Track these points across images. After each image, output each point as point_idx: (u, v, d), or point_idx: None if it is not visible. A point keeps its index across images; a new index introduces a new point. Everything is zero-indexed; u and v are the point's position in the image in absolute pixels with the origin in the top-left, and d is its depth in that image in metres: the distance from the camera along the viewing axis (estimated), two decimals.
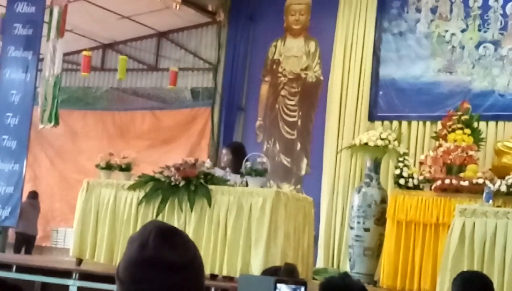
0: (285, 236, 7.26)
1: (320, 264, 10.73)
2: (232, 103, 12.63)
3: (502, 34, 10.41)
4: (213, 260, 7.24)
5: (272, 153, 11.93)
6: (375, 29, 11.30)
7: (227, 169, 8.01)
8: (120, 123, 13.92)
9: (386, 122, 10.93)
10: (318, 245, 10.61)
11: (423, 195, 8.77)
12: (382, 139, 9.11)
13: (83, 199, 8.23)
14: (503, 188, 8.12)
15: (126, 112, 14.14)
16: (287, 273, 4.06)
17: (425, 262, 8.50)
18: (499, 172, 8.88)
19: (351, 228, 9.38)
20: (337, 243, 10.96)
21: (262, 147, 12.04)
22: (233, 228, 7.31)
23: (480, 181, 8.40)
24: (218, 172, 7.93)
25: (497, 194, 7.93)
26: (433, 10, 10.93)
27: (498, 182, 8.26)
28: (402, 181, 8.98)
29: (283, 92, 12.22)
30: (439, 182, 8.69)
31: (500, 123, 10.17)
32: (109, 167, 8.25)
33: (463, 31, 10.68)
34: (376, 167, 9.39)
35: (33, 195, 13.18)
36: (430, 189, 8.80)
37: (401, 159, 9.18)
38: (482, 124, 9.88)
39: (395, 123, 10.88)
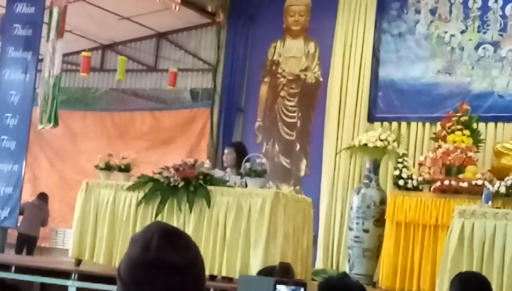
0: (284, 236, 7.26)
1: (319, 265, 10.74)
2: (231, 104, 12.63)
3: (501, 35, 10.42)
4: (212, 261, 7.24)
5: (272, 153, 11.93)
6: (375, 30, 11.31)
7: (227, 170, 8.01)
8: (120, 124, 13.92)
9: (386, 123, 10.94)
10: (317, 246, 10.61)
11: (422, 196, 8.77)
12: (382, 140, 9.11)
13: (82, 200, 8.23)
14: (502, 189, 8.12)
15: (126, 113, 14.14)
16: (282, 271, 4.07)
17: (424, 263, 8.51)
18: (498, 173, 8.89)
19: (350, 229, 9.38)
20: (336, 244, 10.97)
21: (261, 147, 12.05)
22: (232, 228, 7.31)
23: (479, 182, 8.41)
24: (217, 173, 7.93)
25: (496, 195, 7.93)
26: (433, 11, 10.93)
27: (497, 183, 8.27)
28: (401, 182, 8.99)
29: (282, 93, 12.22)
30: (438, 183, 8.69)
31: (500, 124, 10.18)
32: (108, 168, 8.25)
33: (462, 32, 10.69)
34: (376, 168, 9.39)
35: (41, 197, 13.15)
36: (429, 190, 8.80)
37: (400, 160, 9.18)
38: (482, 126, 9.89)
39: (395, 124, 10.89)
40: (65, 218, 13.11)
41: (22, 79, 10.05)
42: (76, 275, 7.61)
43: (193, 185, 7.53)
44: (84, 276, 7.60)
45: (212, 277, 7.32)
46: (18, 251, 12.55)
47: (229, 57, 12.76)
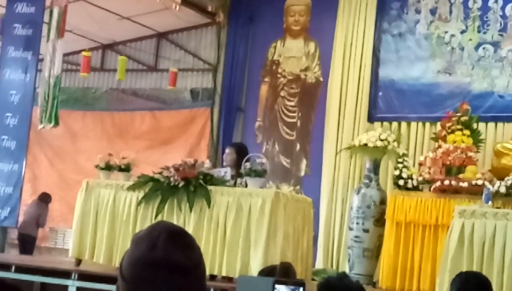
0: (284, 236, 7.26)
1: (319, 264, 10.74)
2: (231, 104, 12.63)
3: (501, 35, 10.42)
4: (212, 261, 7.24)
5: (272, 153, 11.93)
6: (375, 30, 11.31)
7: (228, 168, 8.00)
8: (120, 124, 13.92)
9: (386, 123, 10.94)
10: (317, 246, 10.61)
11: (422, 196, 8.77)
12: (382, 140, 9.11)
13: (83, 199, 8.23)
14: (502, 189, 8.12)
15: (126, 113, 14.14)
16: (282, 271, 4.07)
17: (424, 263, 8.51)
18: (498, 173, 8.89)
19: (350, 229, 9.38)
20: (336, 244, 10.97)
21: (261, 147, 12.05)
22: (232, 228, 7.31)
23: (479, 182, 8.41)
24: (217, 172, 7.93)
25: (496, 195, 7.94)
26: (433, 11, 10.93)
27: (497, 183, 8.27)
28: (401, 182, 8.98)
29: (282, 93, 12.22)
30: (438, 183, 8.69)
31: (500, 124, 10.18)
32: (108, 168, 8.26)
33: (462, 32, 10.69)
34: (376, 167, 9.39)
35: (41, 197, 13.14)
36: (430, 190, 8.80)
37: (400, 160, 9.18)
38: (482, 126, 9.89)
39: (395, 124, 10.88)
40: (65, 217, 13.12)
41: (22, 79, 10.06)
42: (76, 275, 7.62)
43: (193, 185, 7.54)
44: (84, 276, 7.60)
45: (212, 277, 7.32)
46: (22, 251, 12.57)
47: (229, 57, 12.76)
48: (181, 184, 7.59)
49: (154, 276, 1.68)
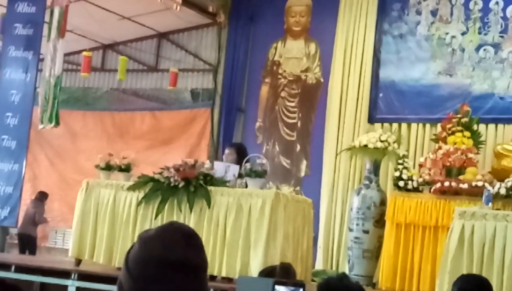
0: (284, 237, 7.26)
1: (319, 265, 10.73)
2: (232, 105, 12.63)
3: (502, 37, 10.42)
4: (212, 261, 7.24)
5: (272, 154, 11.93)
6: (376, 31, 11.30)
7: (232, 165, 7.98)
8: (120, 124, 13.92)
9: (386, 124, 10.93)
10: (317, 247, 10.61)
11: (422, 197, 8.77)
12: (382, 141, 9.11)
13: (83, 199, 8.23)
14: (503, 191, 8.12)
15: (126, 113, 14.14)
16: (282, 271, 4.07)
17: (424, 264, 8.50)
18: (499, 174, 8.89)
19: (350, 230, 9.37)
20: (336, 245, 10.96)
21: (261, 148, 12.04)
22: (232, 229, 7.31)
23: (480, 183, 8.41)
24: (218, 166, 7.94)
25: (496, 196, 7.93)
26: (434, 13, 10.93)
27: (498, 184, 8.26)
28: (401, 183, 8.98)
29: (283, 94, 12.22)
30: (438, 184, 8.69)
31: (500, 126, 10.18)
32: (108, 168, 8.26)
33: (463, 33, 10.69)
34: (376, 169, 9.39)
35: (38, 195, 13.14)
36: (430, 191, 8.80)
37: (400, 161, 9.18)
38: (482, 127, 9.89)
39: (395, 125, 10.88)
40: (65, 217, 13.13)
41: (22, 79, 10.06)
42: (76, 275, 7.62)
43: (193, 185, 7.54)
44: (84, 276, 7.60)
45: (212, 278, 7.32)
46: (22, 251, 12.59)
47: (229, 57, 12.76)
48: (181, 184, 7.59)
49: (171, 275, 1.69)
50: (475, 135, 9.37)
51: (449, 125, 9.40)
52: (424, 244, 8.55)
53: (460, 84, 10.58)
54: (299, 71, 12.15)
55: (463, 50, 10.65)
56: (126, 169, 8.24)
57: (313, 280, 8.15)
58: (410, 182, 8.95)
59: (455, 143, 9.08)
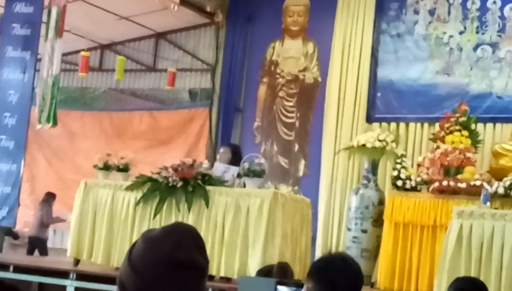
0: (282, 237, 7.27)
1: None
2: (230, 104, 12.63)
3: (500, 36, 10.42)
4: (211, 261, 7.17)
5: (270, 154, 11.93)
6: (373, 30, 11.30)
7: (231, 167, 7.99)
8: (118, 124, 13.91)
9: (384, 124, 10.93)
10: (315, 246, 10.61)
11: (420, 196, 8.77)
12: (380, 141, 9.11)
13: (81, 199, 8.23)
14: (501, 190, 8.13)
15: (124, 113, 14.13)
16: (280, 271, 4.06)
17: (423, 263, 8.51)
18: (497, 174, 8.89)
19: (349, 229, 9.38)
20: (335, 244, 10.96)
21: (259, 148, 12.04)
22: (231, 228, 7.31)
23: (478, 182, 8.42)
24: (218, 167, 7.94)
25: (494, 196, 7.94)
26: (431, 12, 10.94)
27: (496, 184, 8.27)
28: (399, 183, 8.99)
29: (281, 94, 12.22)
30: (436, 184, 8.69)
31: (498, 125, 10.18)
32: (107, 167, 8.26)
33: (461, 33, 10.69)
34: (374, 168, 9.39)
35: (45, 197, 13.11)
36: (428, 191, 8.80)
37: (398, 161, 9.19)
38: (480, 126, 9.90)
39: (393, 125, 10.89)
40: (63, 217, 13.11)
41: (20, 79, 10.04)
42: (74, 275, 7.62)
43: (191, 185, 7.54)
44: (82, 276, 7.60)
45: (211, 277, 7.31)
46: (29, 253, 12.60)
47: (227, 57, 12.75)
48: (180, 184, 7.59)
49: (179, 276, 1.70)
50: (473, 135, 9.38)
51: (447, 125, 9.40)
52: (423, 244, 8.56)
53: (458, 83, 10.59)
54: (297, 71, 12.14)
55: (461, 49, 10.66)
56: (124, 169, 8.24)
57: None
58: (408, 181, 8.95)
59: (453, 143, 9.09)
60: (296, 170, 11.92)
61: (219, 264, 7.30)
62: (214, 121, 12.85)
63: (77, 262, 8.19)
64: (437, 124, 9.87)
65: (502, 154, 9.40)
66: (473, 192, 8.29)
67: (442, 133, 9.41)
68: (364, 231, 9.16)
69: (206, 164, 8.04)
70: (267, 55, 12.42)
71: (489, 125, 10.18)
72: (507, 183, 8.16)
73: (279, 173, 11.85)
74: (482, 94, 10.35)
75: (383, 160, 9.57)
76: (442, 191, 8.66)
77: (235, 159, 8.00)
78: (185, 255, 1.71)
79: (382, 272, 8.79)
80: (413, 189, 8.93)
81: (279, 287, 2.11)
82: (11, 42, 10.20)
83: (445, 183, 8.64)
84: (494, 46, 10.42)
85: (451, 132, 9.28)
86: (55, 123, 9.90)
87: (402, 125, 10.87)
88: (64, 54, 11.66)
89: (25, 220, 13.46)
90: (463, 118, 9.40)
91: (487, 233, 6.79)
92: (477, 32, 10.56)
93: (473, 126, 9.50)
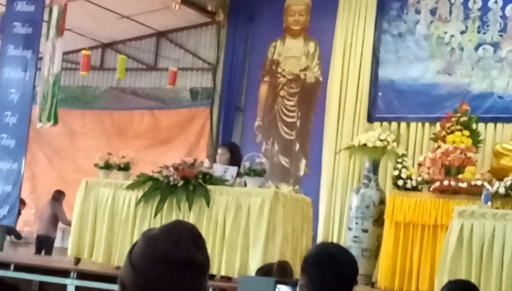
0: (283, 236, 7.26)
1: None
2: (231, 104, 12.63)
3: (501, 36, 10.42)
4: (211, 260, 7.14)
5: (271, 153, 11.93)
6: (375, 30, 11.30)
7: (230, 167, 7.98)
8: (119, 123, 13.91)
9: (385, 124, 10.93)
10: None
11: (421, 196, 8.77)
12: (381, 140, 9.11)
13: (82, 198, 8.23)
14: (502, 190, 8.12)
15: (125, 112, 14.13)
16: (280, 270, 4.06)
17: (423, 263, 8.51)
18: (498, 173, 8.89)
19: (349, 229, 9.38)
20: None
21: (260, 147, 12.04)
22: (232, 228, 7.31)
23: (479, 182, 8.41)
24: (217, 168, 7.93)
25: (495, 195, 7.93)
26: (433, 12, 10.93)
27: (497, 183, 8.26)
28: (400, 182, 8.98)
29: (282, 93, 12.22)
30: (437, 184, 8.69)
31: (499, 125, 10.18)
32: (107, 166, 8.26)
33: (462, 33, 10.69)
34: (375, 168, 9.39)
35: (54, 195, 13.09)
36: (429, 190, 8.80)
37: (399, 160, 9.18)
38: (481, 126, 9.90)
39: (394, 124, 10.89)
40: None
41: (21, 78, 10.04)
42: (75, 274, 7.62)
43: (192, 184, 7.54)
44: (83, 275, 7.60)
45: (211, 276, 7.32)
46: (38, 252, 12.61)
47: (228, 56, 12.75)
48: (180, 183, 7.59)
49: (178, 274, 1.70)
50: (474, 135, 9.37)
51: (448, 125, 9.40)
52: (423, 243, 8.55)
53: (459, 83, 10.59)
54: (298, 70, 12.14)
55: (462, 49, 10.65)
56: (125, 168, 8.24)
57: None
58: (409, 181, 8.95)
59: (454, 143, 9.09)
60: (297, 169, 11.92)
61: (220, 263, 7.30)
62: (215, 121, 12.86)
63: (77, 261, 8.20)
64: (438, 124, 9.86)
65: (503, 153, 9.39)
66: (474, 192, 8.29)
67: (443, 133, 9.41)
68: (364, 231, 9.16)
69: (207, 163, 8.04)
70: (268, 55, 12.42)
71: (490, 125, 10.17)
72: (508, 183, 8.15)
73: (280, 172, 11.85)
74: (483, 94, 10.35)
75: (384, 159, 9.57)
76: (443, 191, 8.66)
77: (234, 158, 7.99)
78: (184, 253, 1.71)
79: (383, 271, 8.79)
80: (414, 188, 8.93)
81: (278, 286, 2.11)
82: (12, 41, 10.20)
83: (446, 182, 8.64)
84: (495, 46, 10.42)
85: (452, 132, 9.28)
86: (55, 122, 9.90)
87: (403, 125, 10.86)
88: (65, 53, 11.66)
89: (26, 219, 13.46)
90: (464, 118, 9.39)
91: (488, 233, 6.78)
92: (478, 32, 10.56)
93: (474, 126, 9.50)
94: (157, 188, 7.75)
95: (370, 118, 11.14)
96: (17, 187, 9.89)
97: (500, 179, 8.39)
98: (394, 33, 11.21)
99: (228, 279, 7.37)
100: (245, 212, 7.28)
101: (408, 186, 8.94)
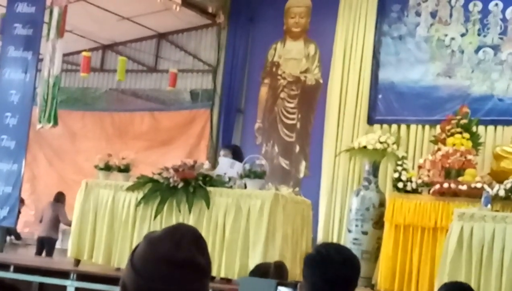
0: (283, 238, 7.26)
1: None
2: (231, 105, 12.63)
3: (501, 38, 10.42)
4: (211, 262, 7.23)
5: (271, 155, 11.93)
6: (375, 32, 11.31)
7: (234, 161, 7.99)
8: (119, 124, 13.92)
9: (385, 126, 10.94)
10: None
11: (421, 198, 8.77)
12: (381, 142, 9.11)
13: (82, 200, 8.23)
14: (502, 193, 8.12)
15: (125, 113, 14.14)
16: (277, 270, 4.07)
17: (423, 266, 8.51)
18: (498, 176, 8.89)
19: (349, 231, 9.38)
20: None
21: (261, 149, 12.05)
22: (231, 229, 7.31)
23: (479, 185, 8.41)
24: (223, 162, 7.95)
25: (495, 198, 7.93)
26: (433, 14, 10.94)
27: (497, 186, 8.26)
28: (400, 185, 8.99)
29: (282, 95, 12.22)
30: (437, 186, 8.69)
31: (499, 127, 10.19)
32: (107, 168, 8.25)
33: (462, 35, 10.70)
34: (375, 170, 9.39)
35: (56, 197, 13.09)
36: (429, 193, 8.80)
37: (399, 163, 9.18)
38: (481, 129, 9.91)
39: (394, 126, 10.89)
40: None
41: (22, 79, 10.04)
42: (75, 275, 7.61)
43: (192, 186, 7.54)
44: (83, 276, 7.60)
45: (211, 278, 7.30)
46: (38, 253, 12.60)
47: (229, 58, 12.76)
48: (180, 184, 7.59)
49: (179, 276, 1.71)
50: (474, 137, 9.38)
51: (448, 127, 9.40)
52: (423, 246, 8.55)
53: (459, 85, 10.59)
54: (298, 72, 12.15)
55: (462, 51, 10.66)
56: (125, 169, 8.24)
57: None
58: (409, 183, 8.95)
59: (454, 145, 9.09)
60: (297, 171, 11.93)
61: (220, 265, 7.30)
62: (215, 122, 12.86)
63: (77, 262, 8.19)
64: (438, 127, 9.87)
65: (503, 156, 9.39)
66: (474, 194, 8.29)
67: (443, 135, 9.41)
68: (364, 233, 9.16)
69: (207, 164, 8.04)
70: (268, 57, 12.42)
71: (490, 127, 10.18)
72: (508, 186, 8.16)
73: (280, 174, 11.85)
74: (484, 96, 10.35)
75: (384, 161, 9.57)
76: (443, 193, 8.66)
77: (236, 160, 8.01)
78: (185, 255, 1.72)
79: (383, 274, 8.79)
80: (414, 191, 8.93)
81: (279, 288, 2.11)
82: (13, 42, 10.20)
83: (446, 185, 8.64)
84: (495, 48, 10.43)
85: (452, 134, 9.28)
86: (55, 123, 9.91)
87: (403, 127, 10.87)
88: (65, 55, 11.67)
89: (26, 220, 13.47)
90: (464, 121, 9.40)
91: (487, 235, 6.78)
92: (478, 35, 10.56)
93: (474, 128, 9.50)
94: (157, 190, 7.75)
95: (370, 121, 11.14)
96: (17, 188, 9.89)
97: (500, 182, 8.39)
98: (395, 36, 11.22)
99: (228, 281, 7.37)
100: (245, 214, 7.28)
101: (408, 188, 8.94)
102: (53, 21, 10.04)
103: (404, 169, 9.10)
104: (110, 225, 7.99)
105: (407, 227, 8.71)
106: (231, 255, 7.25)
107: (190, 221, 7.43)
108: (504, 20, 10.43)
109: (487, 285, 6.67)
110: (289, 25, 12.35)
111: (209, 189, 7.53)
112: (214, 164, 10.76)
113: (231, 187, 7.62)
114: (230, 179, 7.68)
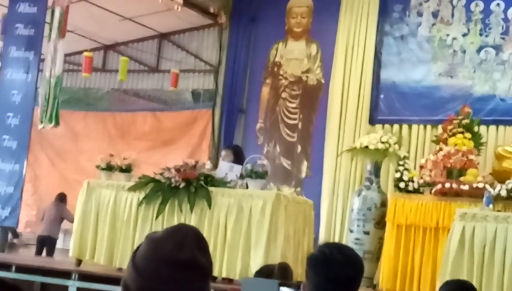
0: (285, 238, 7.26)
1: None
2: (233, 105, 12.63)
3: (503, 38, 10.42)
4: (213, 262, 7.23)
5: (273, 155, 11.93)
6: (377, 32, 11.30)
7: (233, 164, 7.99)
8: (121, 125, 13.92)
9: (387, 126, 10.93)
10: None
11: (423, 198, 8.76)
12: (383, 142, 9.11)
13: (83, 200, 8.24)
14: (503, 193, 8.11)
15: (127, 114, 14.14)
16: (281, 271, 4.06)
17: (425, 265, 8.50)
18: (500, 176, 8.88)
19: (351, 231, 9.38)
20: None
21: (262, 149, 12.04)
22: (233, 230, 7.31)
23: (480, 185, 8.41)
24: (222, 165, 7.94)
25: (497, 198, 7.93)
26: (435, 14, 10.93)
27: (498, 186, 8.26)
28: (402, 185, 8.98)
29: (284, 95, 12.22)
30: (439, 186, 8.69)
31: (501, 127, 10.18)
32: (109, 168, 8.26)
33: (464, 35, 10.69)
34: (377, 170, 9.39)
35: (59, 197, 13.10)
36: (430, 193, 8.80)
37: (401, 163, 9.18)
38: (483, 129, 9.90)
39: (396, 126, 10.89)
40: None
41: (24, 79, 10.06)
42: (77, 275, 7.62)
43: (194, 186, 7.54)
44: (85, 276, 7.60)
45: (213, 279, 7.32)
46: (38, 253, 12.61)
47: (231, 58, 12.76)
48: (182, 185, 7.59)
49: (181, 275, 1.71)
50: (476, 137, 9.37)
51: (450, 127, 9.40)
52: (425, 246, 8.55)
53: (461, 85, 10.59)
54: (300, 72, 12.15)
55: (464, 51, 10.65)
56: (127, 170, 8.24)
57: None
58: (411, 183, 8.95)
59: (456, 145, 9.08)
60: (298, 171, 11.93)
61: (221, 265, 7.30)
62: (217, 123, 12.86)
63: (79, 262, 8.20)
64: (440, 127, 9.86)
65: (505, 156, 9.39)
66: (475, 194, 8.28)
67: (445, 135, 9.41)
68: (366, 233, 9.16)
69: (208, 165, 8.05)
70: (270, 57, 12.42)
71: (492, 127, 10.17)
72: (510, 186, 8.15)
73: (281, 174, 11.85)
74: (485, 96, 10.35)
75: (386, 161, 9.57)
76: (444, 193, 8.66)
77: (238, 160, 8.01)
78: (187, 255, 1.72)
79: (384, 274, 8.79)
80: (416, 191, 8.92)
81: (281, 288, 2.11)
82: (15, 42, 10.21)
83: (447, 185, 8.64)
84: (497, 48, 10.42)
85: (454, 134, 9.28)
86: (57, 123, 9.91)
87: (405, 127, 10.86)
88: (67, 55, 11.68)
89: (27, 220, 13.47)
90: (466, 121, 9.39)
91: (489, 235, 6.78)
92: (480, 35, 10.56)
93: (476, 128, 9.50)
94: (159, 190, 7.75)
95: (372, 121, 11.14)
96: (19, 188, 9.91)
97: (502, 182, 8.39)
98: (396, 36, 11.22)
99: (229, 281, 7.38)
100: (246, 214, 7.28)
101: (410, 188, 8.94)
102: (55, 21, 10.04)
103: (406, 169, 9.10)
104: (112, 225, 8.00)
105: (409, 227, 8.71)
106: (233, 255, 7.25)
107: (192, 221, 7.43)
108: (506, 20, 10.43)
109: (488, 285, 6.67)
110: (290, 25, 12.35)
111: (210, 189, 7.53)
112: (216, 164, 10.77)
113: (233, 187, 7.62)
114: (230, 180, 7.68)
